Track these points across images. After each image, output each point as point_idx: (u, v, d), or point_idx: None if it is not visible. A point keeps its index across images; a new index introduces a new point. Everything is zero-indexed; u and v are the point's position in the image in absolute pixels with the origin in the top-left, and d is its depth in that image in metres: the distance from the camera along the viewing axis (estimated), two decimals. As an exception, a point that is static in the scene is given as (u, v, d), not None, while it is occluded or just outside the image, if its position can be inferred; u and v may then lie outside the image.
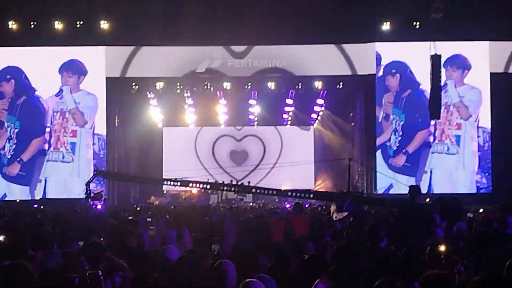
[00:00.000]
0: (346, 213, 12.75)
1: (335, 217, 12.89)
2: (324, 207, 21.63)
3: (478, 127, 29.62)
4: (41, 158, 29.48)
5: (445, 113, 28.98)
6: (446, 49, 27.63)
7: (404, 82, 29.52)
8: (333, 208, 13.05)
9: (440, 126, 29.37)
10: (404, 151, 29.39)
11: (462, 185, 29.25)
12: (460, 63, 29.43)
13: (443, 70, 28.27)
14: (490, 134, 29.55)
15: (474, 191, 29.19)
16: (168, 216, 17.04)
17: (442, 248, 7.60)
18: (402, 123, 29.52)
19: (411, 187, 12.24)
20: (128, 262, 7.30)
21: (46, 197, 28.97)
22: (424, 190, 27.60)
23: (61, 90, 29.66)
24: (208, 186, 19.31)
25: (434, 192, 28.19)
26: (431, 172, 29.40)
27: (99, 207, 22.41)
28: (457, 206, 12.35)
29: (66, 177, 29.49)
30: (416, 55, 28.38)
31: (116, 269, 7.05)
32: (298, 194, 17.22)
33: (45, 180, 29.47)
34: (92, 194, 21.27)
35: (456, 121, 29.49)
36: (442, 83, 28.02)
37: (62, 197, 28.42)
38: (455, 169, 29.48)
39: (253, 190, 19.39)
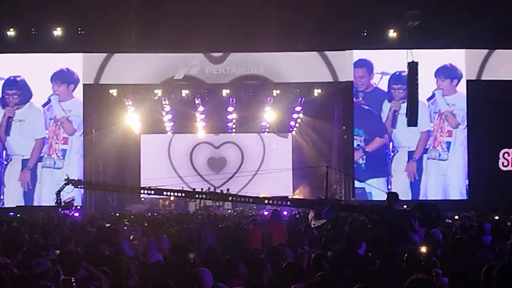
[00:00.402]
0: (324, 220, 12.73)
1: (313, 224, 12.86)
2: (302, 214, 21.62)
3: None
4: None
5: (438, 120, 29.86)
6: (424, 56, 27.85)
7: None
8: (311, 215, 13.01)
9: (434, 133, 29.92)
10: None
11: (453, 190, 29.85)
12: (449, 73, 29.88)
13: (434, 80, 29.30)
14: (467, 141, 29.80)
15: (465, 197, 29.66)
16: (146, 224, 16.94)
17: (423, 249, 7.61)
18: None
19: (389, 193, 12.27)
20: (106, 270, 7.25)
21: (41, 204, 28.78)
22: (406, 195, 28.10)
23: (49, 100, 29.63)
24: (183, 194, 19.01)
25: (429, 198, 28.71)
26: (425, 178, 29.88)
27: (76, 215, 22.20)
28: (435, 212, 12.41)
29: (59, 184, 29.38)
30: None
31: (93, 278, 6.99)
32: (276, 202, 17.05)
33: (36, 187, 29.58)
34: (62, 203, 20.90)
35: (447, 128, 30.04)
36: (431, 93, 29.26)
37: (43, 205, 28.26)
38: (447, 175, 29.93)
39: (230, 198, 19.26)
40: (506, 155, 30.22)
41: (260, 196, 18.27)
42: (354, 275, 7.11)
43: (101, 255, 8.39)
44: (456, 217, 19.60)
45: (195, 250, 9.86)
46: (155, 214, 26.67)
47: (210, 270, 6.49)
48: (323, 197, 14.55)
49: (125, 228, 14.85)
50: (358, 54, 29.62)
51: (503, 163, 30.20)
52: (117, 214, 22.60)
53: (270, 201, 16.70)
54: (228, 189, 30.90)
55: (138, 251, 11.59)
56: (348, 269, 7.41)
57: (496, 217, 15.68)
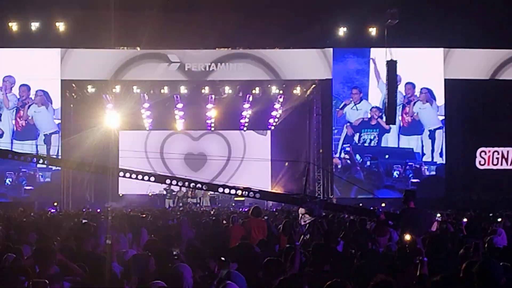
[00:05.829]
0: (313, 218, 12.54)
1: (304, 221, 12.67)
2: (278, 210, 21.43)
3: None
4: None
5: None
6: (402, 55, 27.98)
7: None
8: (301, 211, 12.74)
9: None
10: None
11: None
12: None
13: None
14: (444, 140, 29.94)
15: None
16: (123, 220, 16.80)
17: (408, 237, 7.68)
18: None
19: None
20: (84, 266, 7.16)
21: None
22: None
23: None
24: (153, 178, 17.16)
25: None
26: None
27: (52, 211, 22.12)
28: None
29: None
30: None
31: (68, 272, 6.89)
32: (243, 192, 15.13)
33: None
34: None
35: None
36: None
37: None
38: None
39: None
40: (483, 154, 30.40)
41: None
42: (332, 270, 7.14)
43: (79, 250, 8.30)
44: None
45: (178, 246, 9.80)
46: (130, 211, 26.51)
47: (190, 266, 6.46)
48: (297, 194, 14.28)
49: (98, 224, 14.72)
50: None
51: (480, 161, 30.38)
52: (98, 211, 22.66)
53: (225, 190, 15.24)
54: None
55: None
56: (327, 264, 7.47)
57: (465, 219, 15.76)
